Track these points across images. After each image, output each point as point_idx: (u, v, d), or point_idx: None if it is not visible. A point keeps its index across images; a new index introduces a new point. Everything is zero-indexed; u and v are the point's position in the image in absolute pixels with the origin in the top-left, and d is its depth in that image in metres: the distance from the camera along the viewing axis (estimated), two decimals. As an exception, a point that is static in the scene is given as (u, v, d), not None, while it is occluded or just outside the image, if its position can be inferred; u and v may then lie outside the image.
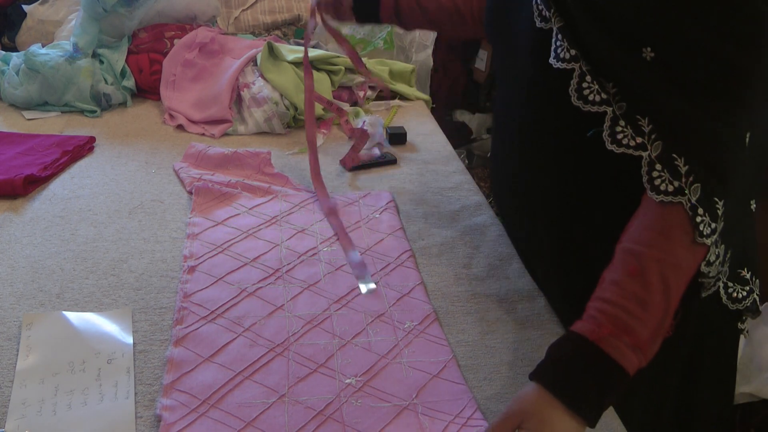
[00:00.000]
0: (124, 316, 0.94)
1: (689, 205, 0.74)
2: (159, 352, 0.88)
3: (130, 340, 0.90)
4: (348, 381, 0.84)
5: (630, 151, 0.76)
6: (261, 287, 1.00)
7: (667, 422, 0.98)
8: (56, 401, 0.80)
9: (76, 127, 1.51)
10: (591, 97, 0.79)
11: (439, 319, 0.95)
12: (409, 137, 1.49)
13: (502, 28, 0.96)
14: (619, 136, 0.77)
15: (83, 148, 1.40)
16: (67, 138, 1.42)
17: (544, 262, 1.02)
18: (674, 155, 0.74)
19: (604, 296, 0.75)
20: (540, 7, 0.84)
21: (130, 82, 1.63)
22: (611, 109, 0.77)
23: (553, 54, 0.81)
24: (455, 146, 1.54)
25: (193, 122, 1.54)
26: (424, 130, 1.55)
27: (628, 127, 0.76)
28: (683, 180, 0.74)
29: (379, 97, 1.68)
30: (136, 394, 0.82)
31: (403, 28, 1.26)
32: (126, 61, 1.64)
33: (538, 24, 0.84)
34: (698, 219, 0.74)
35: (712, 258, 0.78)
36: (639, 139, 0.76)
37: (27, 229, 1.14)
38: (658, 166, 0.74)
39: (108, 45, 1.64)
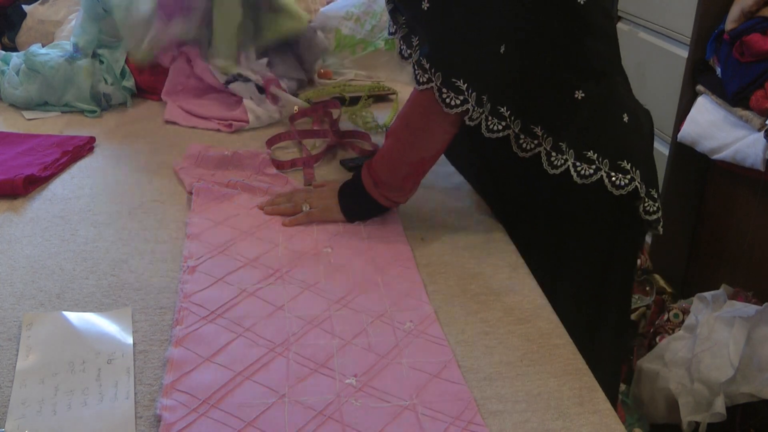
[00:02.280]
0: (124, 316, 0.94)
1: (436, 88, 1.04)
2: (159, 352, 0.88)
3: (130, 340, 0.90)
4: (348, 381, 0.84)
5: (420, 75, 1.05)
6: (261, 287, 1.00)
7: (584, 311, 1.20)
8: (56, 401, 0.80)
9: (76, 127, 1.51)
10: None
11: (439, 319, 0.95)
12: (409, 137, 1.48)
13: None
14: (418, 75, 1.06)
15: (83, 148, 1.40)
16: (67, 138, 1.42)
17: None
18: (454, 79, 1.03)
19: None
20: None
21: (130, 82, 1.63)
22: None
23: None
24: (455, 146, 1.54)
25: (206, 119, 1.54)
26: (424, 130, 1.55)
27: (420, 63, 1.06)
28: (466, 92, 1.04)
29: (379, 98, 1.68)
30: (136, 394, 0.82)
31: None
32: (126, 61, 1.64)
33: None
34: (444, 96, 1.03)
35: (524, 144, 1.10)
36: (427, 74, 1.04)
37: (27, 229, 1.14)
38: (445, 89, 1.03)
39: (108, 45, 1.64)
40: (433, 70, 1.04)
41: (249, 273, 1.03)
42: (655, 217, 1.14)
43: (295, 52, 1.66)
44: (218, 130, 1.51)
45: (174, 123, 1.54)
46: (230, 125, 1.51)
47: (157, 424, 0.77)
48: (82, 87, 1.57)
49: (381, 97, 1.69)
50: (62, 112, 1.58)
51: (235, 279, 1.01)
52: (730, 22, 1.99)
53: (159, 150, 1.42)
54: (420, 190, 1.30)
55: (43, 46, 1.66)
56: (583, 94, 1.09)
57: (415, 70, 1.06)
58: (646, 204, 1.12)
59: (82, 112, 1.58)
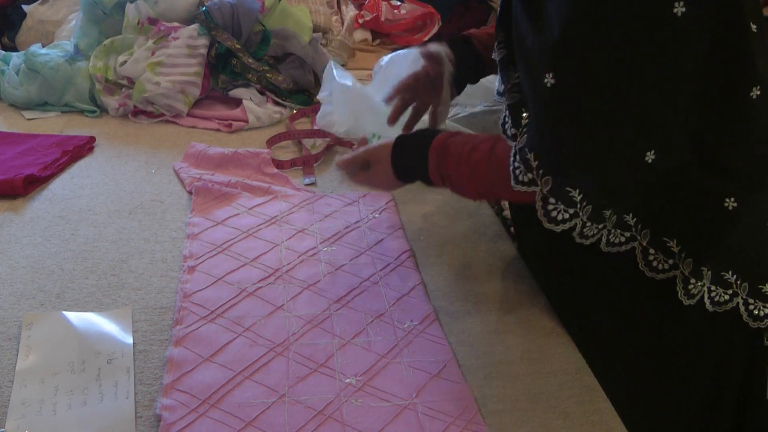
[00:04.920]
0: (124, 316, 0.94)
1: (540, 196, 0.81)
2: (159, 352, 0.88)
3: (130, 340, 0.90)
4: (348, 381, 0.84)
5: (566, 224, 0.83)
6: (261, 287, 1.00)
7: None
8: (56, 401, 0.80)
9: (76, 127, 1.51)
10: None
11: (439, 319, 0.95)
12: (409, 137, 1.48)
13: None
14: (552, 212, 0.83)
15: (83, 148, 1.40)
16: (67, 138, 1.42)
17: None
18: (569, 188, 0.81)
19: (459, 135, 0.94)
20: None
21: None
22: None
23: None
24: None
25: (206, 119, 1.55)
26: (424, 130, 1.54)
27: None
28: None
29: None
30: (136, 394, 0.82)
31: None
32: (126, 61, 1.64)
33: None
34: (550, 208, 0.82)
35: (694, 291, 0.86)
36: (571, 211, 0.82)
37: (27, 229, 1.14)
38: (553, 200, 0.81)
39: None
40: (540, 172, 0.80)
41: (249, 273, 1.03)
42: (767, 323, 0.90)
43: (300, 59, 1.65)
44: (218, 130, 1.52)
45: (174, 123, 1.54)
46: (230, 125, 1.51)
47: (157, 424, 0.77)
48: (82, 87, 1.57)
49: (381, 96, 1.69)
50: (62, 112, 1.58)
51: (235, 279, 1.01)
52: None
53: (159, 150, 1.42)
54: (419, 189, 1.30)
55: (43, 46, 1.66)
56: (735, 204, 0.83)
57: (514, 160, 0.83)
58: None
59: (82, 112, 1.58)
